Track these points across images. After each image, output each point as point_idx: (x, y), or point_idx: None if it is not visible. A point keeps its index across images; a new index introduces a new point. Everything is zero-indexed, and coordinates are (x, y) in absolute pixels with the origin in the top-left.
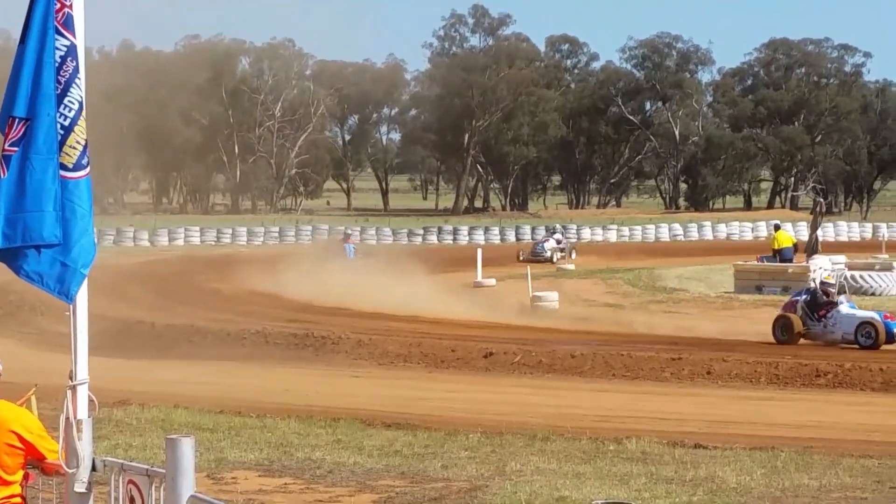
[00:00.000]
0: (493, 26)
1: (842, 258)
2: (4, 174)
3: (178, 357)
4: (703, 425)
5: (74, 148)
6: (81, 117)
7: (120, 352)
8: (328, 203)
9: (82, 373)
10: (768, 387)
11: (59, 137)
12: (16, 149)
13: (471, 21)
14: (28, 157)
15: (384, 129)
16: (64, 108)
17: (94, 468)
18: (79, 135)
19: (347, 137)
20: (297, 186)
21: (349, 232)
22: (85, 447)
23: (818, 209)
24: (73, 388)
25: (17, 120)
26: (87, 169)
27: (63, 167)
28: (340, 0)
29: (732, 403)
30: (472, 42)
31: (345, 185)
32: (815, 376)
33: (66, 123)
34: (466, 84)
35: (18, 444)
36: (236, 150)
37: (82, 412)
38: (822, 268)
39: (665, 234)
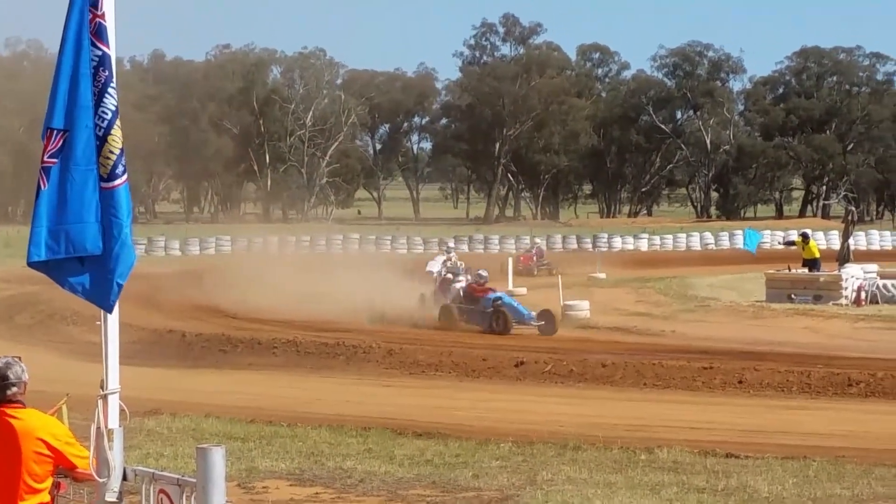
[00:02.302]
0: (523, 35)
1: (874, 267)
2: (45, 186)
3: (209, 366)
4: (734, 434)
5: (109, 157)
6: (116, 125)
7: (151, 361)
8: (359, 212)
9: (113, 382)
10: (800, 396)
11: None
12: (55, 160)
13: (501, 30)
14: (68, 168)
15: (415, 138)
16: (97, 119)
17: (125, 477)
18: (112, 144)
19: (378, 146)
20: (327, 196)
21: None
22: (116, 457)
23: (850, 218)
24: (104, 398)
25: (55, 132)
26: (124, 177)
27: (99, 178)
28: (371, 9)
29: (764, 413)
30: (503, 51)
31: (375, 195)
32: (847, 385)
33: (101, 133)
34: (497, 93)
35: (46, 451)
36: (267, 160)
37: (113, 422)
38: (855, 276)
39: (696, 243)
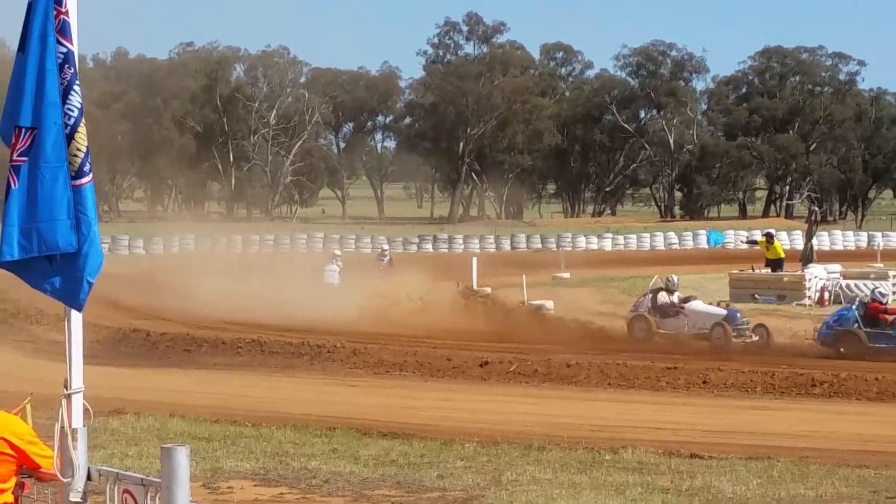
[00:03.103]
0: (487, 34)
1: (837, 267)
2: (15, 185)
3: (173, 366)
4: (698, 435)
5: (76, 155)
6: (81, 124)
7: (115, 360)
8: (323, 211)
9: (77, 381)
10: (764, 396)
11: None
12: (24, 159)
13: (465, 29)
14: (38, 166)
15: (379, 136)
16: (65, 116)
17: (89, 477)
18: (79, 142)
19: (342, 145)
20: (292, 194)
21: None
22: (80, 456)
23: (813, 218)
24: (68, 397)
25: (23, 130)
26: (90, 176)
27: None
28: (335, 8)
29: (728, 413)
30: (467, 50)
31: (339, 194)
32: (810, 386)
33: (67, 131)
34: (461, 92)
35: (9, 451)
36: (231, 158)
37: (77, 421)
38: (818, 276)
39: (660, 243)
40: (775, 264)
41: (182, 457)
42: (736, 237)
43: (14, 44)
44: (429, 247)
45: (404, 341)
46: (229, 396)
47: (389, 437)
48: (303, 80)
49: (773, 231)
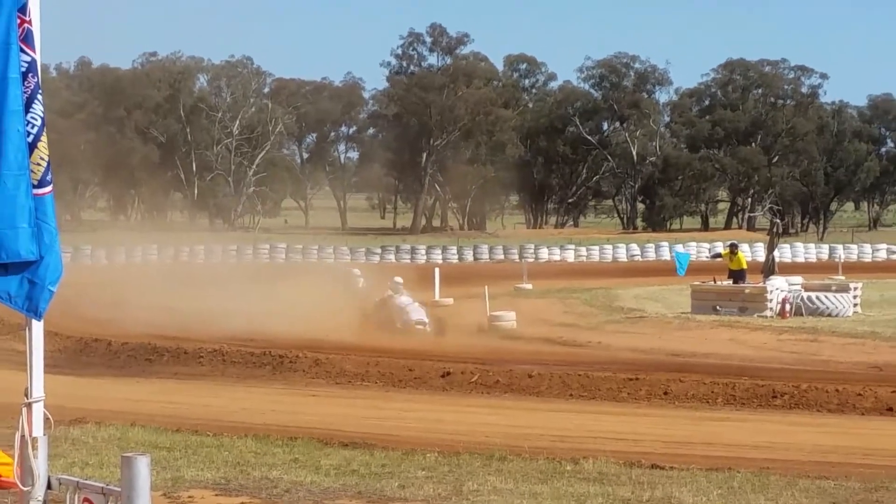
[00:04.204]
0: (450, 45)
1: (798, 279)
2: None
3: (134, 375)
4: (659, 446)
5: (39, 164)
6: (44, 133)
7: (76, 369)
8: (286, 221)
9: (38, 390)
10: (725, 407)
11: None
12: None
13: (429, 40)
14: (0, 173)
15: (342, 147)
16: (28, 125)
17: (49, 486)
18: (42, 151)
19: (305, 156)
20: (254, 205)
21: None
22: (40, 465)
23: (775, 230)
24: (29, 406)
25: None
26: (51, 186)
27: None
28: (298, 18)
29: (689, 424)
30: (430, 61)
31: (302, 204)
32: (771, 397)
33: (30, 140)
34: (424, 103)
35: None
36: (194, 168)
37: (38, 430)
38: (780, 289)
39: (622, 255)
40: (737, 275)
41: (142, 466)
42: (698, 249)
43: None
44: (391, 257)
45: (366, 352)
46: (190, 406)
47: (351, 447)
48: (266, 90)
49: (737, 242)
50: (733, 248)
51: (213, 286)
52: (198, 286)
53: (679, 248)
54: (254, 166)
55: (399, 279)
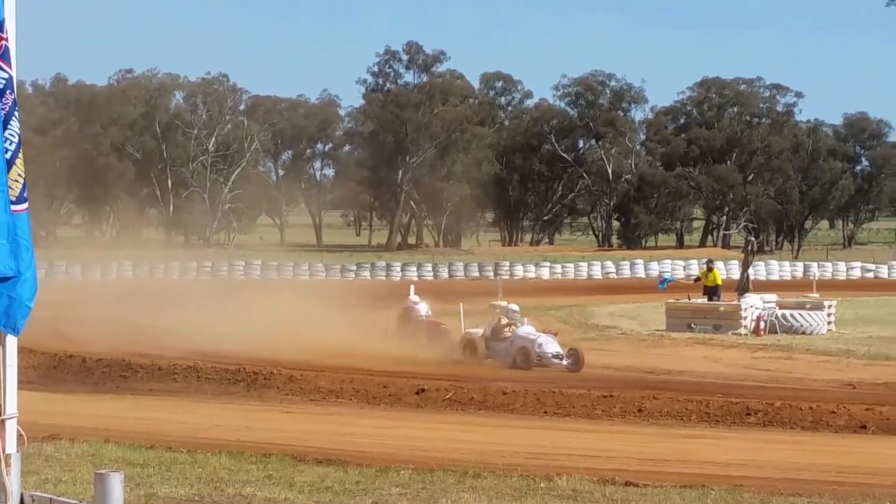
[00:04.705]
0: (427, 63)
1: (773, 297)
2: None
3: (109, 391)
4: (633, 463)
5: (17, 181)
6: (21, 150)
7: (50, 386)
8: (261, 238)
9: (11, 407)
10: (699, 425)
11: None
12: None
13: (405, 58)
14: None
15: (318, 164)
16: (5, 142)
17: (22, 502)
18: (20, 167)
19: (281, 173)
20: (230, 221)
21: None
22: (13, 482)
23: (749, 248)
24: (2, 423)
25: None
26: (27, 203)
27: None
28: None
29: (663, 441)
30: (407, 78)
31: (278, 221)
32: (745, 414)
33: (8, 157)
34: (400, 120)
35: None
36: (169, 185)
37: (11, 446)
38: (754, 306)
39: (597, 272)
40: (712, 291)
41: (116, 482)
42: (672, 266)
43: None
44: (366, 274)
45: (340, 368)
46: (164, 422)
47: (325, 464)
48: (242, 107)
49: (713, 258)
50: (709, 264)
51: (192, 303)
52: (173, 303)
53: (667, 274)
54: (229, 183)
55: (515, 306)
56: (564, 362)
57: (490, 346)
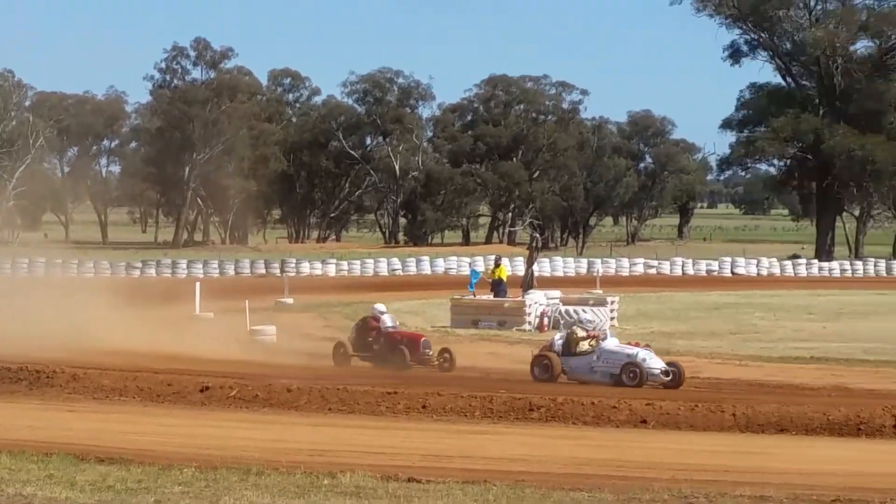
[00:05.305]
0: (215, 59)
1: (557, 293)
2: None
3: None
4: (417, 459)
5: None
6: None
7: None
8: (45, 235)
9: None
10: (483, 420)
11: None
12: None
13: (193, 54)
14: None
15: (104, 161)
16: None
17: None
18: None
19: (66, 169)
20: (14, 218)
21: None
22: None
23: (534, 244)
24: None
25: None
26: None
27: None
28: (61, 31)
29: (448, 437)
30: (195, 75)
31: (63, 218)
32: (528, 410)
33: None
34: (187, 117)
35: None
36: None
37: None
38: (538, 302)
39: (384, 269)
40: (496, 285)
41: None
42: (459, 263)
43: None
44: (152, 272)
45: (124, 366)
46: None
47: (107, 463)
48: (27, 103)
49: (501, 255)
50: (497, 260)
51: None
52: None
53: (478, 266)
54: (13, 179)
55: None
56: (668, 378)
57: (564, 362)
